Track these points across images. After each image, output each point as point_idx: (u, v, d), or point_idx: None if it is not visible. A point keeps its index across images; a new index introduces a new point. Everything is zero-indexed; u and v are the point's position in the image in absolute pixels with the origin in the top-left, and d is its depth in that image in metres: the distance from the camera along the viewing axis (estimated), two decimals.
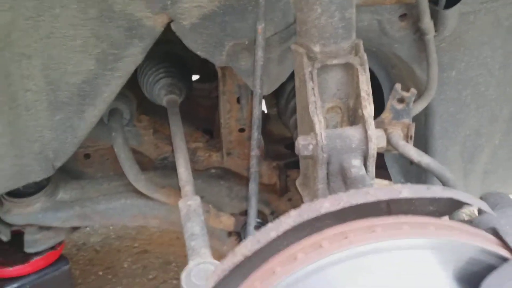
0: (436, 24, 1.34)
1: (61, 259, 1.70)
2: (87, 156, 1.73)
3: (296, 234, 0.91)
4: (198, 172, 1.72)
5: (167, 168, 1.73)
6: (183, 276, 1.07)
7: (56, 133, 1.40)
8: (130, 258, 2.82)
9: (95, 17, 1.20)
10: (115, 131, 1.56)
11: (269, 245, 0.91)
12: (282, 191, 1.71)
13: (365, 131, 1.07)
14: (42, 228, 1.65)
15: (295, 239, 0.91)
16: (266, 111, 1.91)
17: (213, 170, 1.76)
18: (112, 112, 1.59)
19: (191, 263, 1.11)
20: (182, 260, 2.77)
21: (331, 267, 0.86)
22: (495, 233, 0.92)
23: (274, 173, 1.70)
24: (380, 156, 1.50)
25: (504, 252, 0.88)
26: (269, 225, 0.91)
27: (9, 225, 1.61)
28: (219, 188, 1.70)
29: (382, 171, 1.53)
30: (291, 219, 0.89)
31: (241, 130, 1.68)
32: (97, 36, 1.22)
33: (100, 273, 2.69)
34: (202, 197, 1.43)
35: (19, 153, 1.38)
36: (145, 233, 3.02)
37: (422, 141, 1.52)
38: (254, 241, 0.90)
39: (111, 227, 3.07)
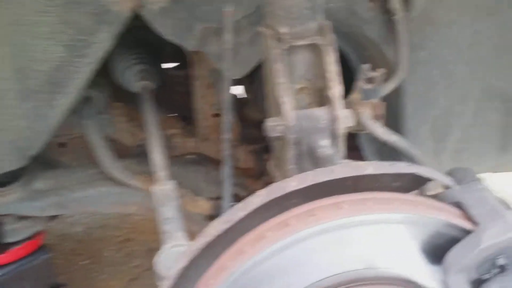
0: (404, 4, 1.35)
1: (41, 248, 1.70)
2: (62, 145, 1.72)
3: (266, 214, 0.92)
4: (174, 158, 1.72)
5: (144, 155, 1.73)
6: (157, 259, 1.09)
7: (27, 122, 1.39)
8: (114, 246, 2.82)
9: (61, 3, 1.19)
10: (87, 119, 1.55)
11: (239, 225, 0.92)
12: (259, 175, 1.72)
13: (333, 112, 1.08)
14: (20, 217, 1.65)
15: (264, 219, 0.93)
16: (244, 96, 1.92)
17: (189, 156, 1.77)
18: (85, 100, 1.58)
19: (164, 247, 1.12)
20: None
21: (298, 244, 0.88)
22: (460, 206, 0.94)
23: (250, 157, 1.71)
24: (353, 138, 1.52)
25: (467, 225, 0.90)
26: (238, 205, 0.92)
27: None
28: (196, 173, 1.70)
29: (356, 153, 1.54)
30: (259, 198, 0.90)
31: (216, 115, 1.68)
32: (64, 22, 1.22)
33: (84, 262, 2.69)
34: (179, 183, 1.44)
35: None
36: (128, 221, 3.02)
37: (394, 121, 1.53)
38: (223, 221, 0.91)
39: (93, 217, 3.07)
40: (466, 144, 1.61)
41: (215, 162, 1.72)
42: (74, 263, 2.67)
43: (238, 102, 1.82)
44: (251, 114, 1.91)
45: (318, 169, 0.91)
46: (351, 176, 0.91)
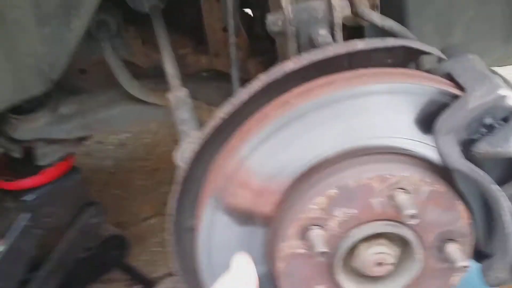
0: None
1: (72, 169, 1.82)
2: (82, 71, 1.81)
3: (268, 96, 1.00)
4: (189, 76, 1.80)
5: (160, 75, 1.80)
6: (176, 154, 1.18)
7: (47, 47, 1.47)
8: (144, 175, 2.96)
9: None
10: (103, 42, 1.63)
11: (245, 108, 1.00)
12: None
13: (329, 2, 1.13)
14: (49, 141, 1.76)
15: (267, 101, 1.00)
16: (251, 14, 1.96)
17: (203, 73, 1.84)
18: (99, 24, 1.65)
19: (183, 144, 1.21)
20: None
21: (298, 119, 0.95)
22: (450, 77, 0.99)
23: (260, 68, 1.76)
24: None
25: (457, 92, 0.96)
26: (241, 89, 1.00)
27: (19, 141, 1.72)
28: (210, 89, 1.78)
29: None
30: (260, 81, 0.97)
31: (226, 30, 1.74)
32: None
33: (116, 191, 2.84)
34: (195, 98, 1.52)
35: (15, 67, 1.47)
36: (155, 153, 3.15)
37: (397, 20, 1.57)
38: (229, 104, 0.99)
39: (121, 152, 3.21)
40: (471, 38, 1.64)
41: (229, 76, 1.79)
42: (107, 193, 2.82)
43: (246, 18, 1.87)
44: (261, 31, 1.96)
45: (314, 50, 0.97)
46: (345, 55, 0.97)
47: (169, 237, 1.12)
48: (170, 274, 2.22)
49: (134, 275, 2.20)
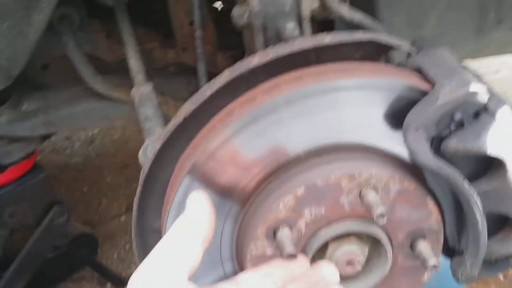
0: None
1: (37, 167, 1.76)
2: (45, 66, 1.75)
3: (233, 94, 0.96)
4: (156, 71, 1.75)
5: (125, 70, 1.75)
6: (140, 152, 1.14)
7: (6, 41, 1.41)
8: (113, 172, 2.90)
9: None
10: (66, 36, 1.57)
11: (209, 106, 0.96)
12: None
13: None
14: (12, 139, 1.69)
15: (233, 98, 0.97)
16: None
17: (171, 68, 1.79)
18: (62, 18, 1.59)
19: (146, 141, 1.17)
20: None
21: (265, 116, 0.92)
22: (420, 71, 0.97)
23: (229, 62, 1.73)
24: None
25: (427, 87, 0.93)
26: (204, 86, 0.96)
27: None
28: (177, 83, 1.73)
29: None
30: (223, 77, 0.94)
31: (193, 24, 1.69)
32: None
33: (85, 189, 2.77)
34: (162, 94, 1.47)
35: None
36: (125, 148, 3.09)
37: (369, 12, 1.55)
38: (192, 102, 0.95)
39: (90, 148, 3.14)
40: (442, 30, 1.63)
41: (196, 71, 1.75)
42: (75, 190, 2.76)
43: (214, 11, 1.83)
44: (228, 22, 1.92)
45: (281, 44, 0.94)
46: (313, 49, 0.94)
47: (133, 239, 1.08)
48: None
49: (105, 273, 2.16)
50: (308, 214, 0.93)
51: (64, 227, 1.79)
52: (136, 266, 2.32)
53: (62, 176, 2.85)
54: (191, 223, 0.84)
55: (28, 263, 1.73)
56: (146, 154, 1.12)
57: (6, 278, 1.68)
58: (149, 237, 1.08)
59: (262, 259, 0.95)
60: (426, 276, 1.02)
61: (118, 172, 2.91)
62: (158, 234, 1.06)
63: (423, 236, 0.97)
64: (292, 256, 0.90)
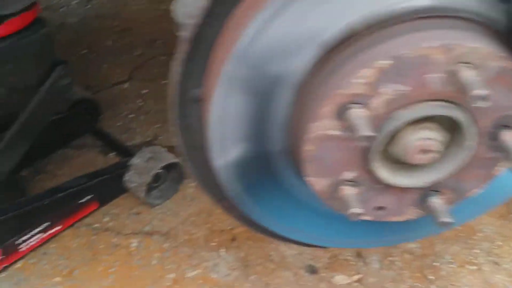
0: None
1: (39, 21, 1.56)
2: None
3: None
4: None
5: None
6: (174, 5, 0.96)
7: None
8: (113, 36, 2.69)
9: None
10: None
11: None
12: None
13: None
14: None
15: None
16: None
17: None
18: None
19: None
20: (169, 37, 2.64)
21: None
22: None
23: None
24: None
25: None
26: None
27: None
28: None
29: None
30: None
31: None
32: None
33: (83, 52, 2.57)
34: None
35: None
36: (126, 11, 2.85)
37: None
38: None
39: (87, 7, 2.89)
40: None
41: None
42: (73, 53, 2.55)
43: None
44: None
45: None
46: None
47: (172, 109, 0.93)
48: (147, 143, 2.06)
49: (108, 141, 2.04)
50: (386, 91, 0.78)
51: (68, 89, 1.63)
52: (142, 136, 2.17)
53: (57, 36, 2.63)
54: None
55: (30, 126, 1.59)
56: (184, 9, 0.93)
57: (7, 139, 1.55)
58: (187, 106, 0.94)
59: (325, 141, 0.82)
60: (499, 169, 0.91)
61: (118, 36, 2.69)
62: (197, 104, 0.92)
63: (509, 125, 0.84)
64: (368, 138, 0.76)
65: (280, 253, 1.71)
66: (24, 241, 1.61)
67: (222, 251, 1.73)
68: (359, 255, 1.69)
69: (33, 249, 1.66)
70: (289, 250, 1.71)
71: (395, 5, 0.79)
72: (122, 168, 1.80)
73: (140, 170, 1.79)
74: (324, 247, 1.46)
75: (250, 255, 1.72)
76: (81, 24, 2.78)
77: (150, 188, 1.81)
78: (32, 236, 1.63)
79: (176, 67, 0.88)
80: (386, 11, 0.79)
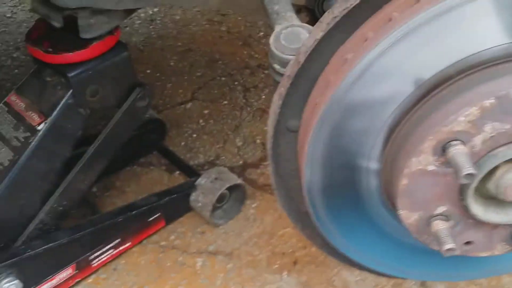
0: None
1: (120, 44, 1.63)
2: None
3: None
4: None
5: None
6: (272, 40, 0.99)
7: None
8: (175, 56, 2.76)
9: None
10: None
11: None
12: None
13: None
14: (95, 12, 1.55)
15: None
16: None
17: None
18: None
19: (278, 27, 1.01)
20: (228, 58, 2.71)
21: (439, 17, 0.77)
22: None
23: None
24: None
25: None
26: None
27: (60, 9, 1.52)
28: None
29: None
30: None
31: None
32: None
33: (148, 71, 2.65)
34: None
35: None
36: (187, 32, 2.93)
37: None
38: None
39: (151, 27, 2.98)
40: None
41: None
42: (138, 71, 2.63)
43: None
44: None
45: None
46: None
47: (269, 138, 0.96)
48: (210, 163, 2.11)
49: (174, 160, 2.09)
50: (489, 129, 0.79)
51: (145, 111, 1.69)
52: (204, 156, 2.22)
53: None
54: None
55: (107, 146, 1.65)
56: (281, 43, 0.97)
57: (86, 158, 1.61)
58: (281, 136, 0.97)
59: (422, 176, 0.84)
60: None
61: (180, 56, 2.76)
62: (291, 135, 0.95)
63: None
64: (469, 176, 0.78)
65: (343, 279, 1.71)
66: (96, 257, 1.67)
67: (285, 274, 1.74)
68: (423, 284, 1.68)
69: (104, 264, 1.72)
70: (351, 276, 1.71)
71: (495, 48, 0.80)
72: (189, 187, 1.84)
73: (206, 190, 1.84)
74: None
75: (312, 279, 1.73)
76: (145, 44, 2.87)
77: (214, 208, 1.85)
78: (104, 252, 1.68)
79: (275, 101, 0.91)
80: (487, 53, 0.80)
